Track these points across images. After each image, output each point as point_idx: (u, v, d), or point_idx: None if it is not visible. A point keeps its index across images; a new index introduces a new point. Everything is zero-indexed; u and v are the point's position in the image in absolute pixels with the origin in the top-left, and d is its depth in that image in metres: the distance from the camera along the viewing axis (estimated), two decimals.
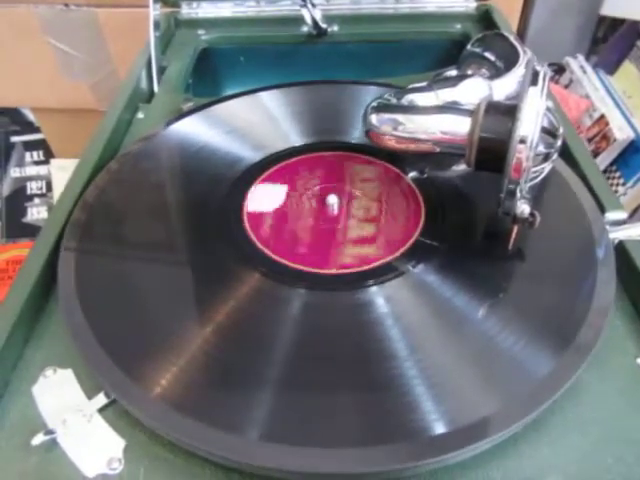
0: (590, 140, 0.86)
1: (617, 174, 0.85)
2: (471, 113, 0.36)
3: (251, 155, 0.44)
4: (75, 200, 0.41)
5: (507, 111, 0.34)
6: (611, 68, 0.94)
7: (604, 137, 0.84)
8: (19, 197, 1.02)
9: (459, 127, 0.36)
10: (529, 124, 0.32)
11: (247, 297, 0.34)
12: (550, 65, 0.98)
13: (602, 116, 0.85)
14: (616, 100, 0.88)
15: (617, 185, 0.84)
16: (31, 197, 1.02)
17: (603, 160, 0.85)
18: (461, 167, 0.41)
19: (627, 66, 0.93)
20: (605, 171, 0.86)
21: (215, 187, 0.42)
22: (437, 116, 0.37)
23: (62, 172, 1.00)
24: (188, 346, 0.31)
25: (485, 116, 0.34)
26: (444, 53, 0.63)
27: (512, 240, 0.36)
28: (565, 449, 0.28)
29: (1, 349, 0.31)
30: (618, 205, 0.39)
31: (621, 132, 0.82)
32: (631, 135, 0.82)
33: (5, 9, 0.78)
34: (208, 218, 0.39)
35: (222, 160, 0.44)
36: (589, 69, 0.93)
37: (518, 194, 0.33)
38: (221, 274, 0.36)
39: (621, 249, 0.36)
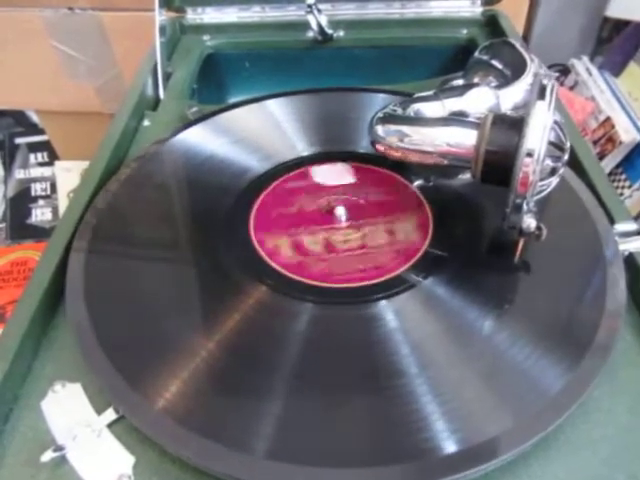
0: (596, 142, 0.86)
1: (623, 176, 0.84)
2: (477, 125, 0.35)
3: (258, 165, 0.44)
4: (84, 208, 0.41)
5: (514, 124, 0.34)
6: (616, 70, 0.94)
7: (610, 139, 0.84)
8: (23, 198, 1.02)
9: (465, 140, 0.36)
10: (536, 138, 0.31)
11: (254, 310, 0.34)
12: (555, 66, 0.98)
13: (608, 118, 0.85)
14: (622, 102, 0.87)
15: (623, 188, 0.83)
16: (35, 199, 1.03)
17: (609, 162, 0.84)
18: (467, 175, 0.41)
19: (632, 68, 0.92)
20: (611, 173, 0.85)
21: (222, 197, 0.41)
22: (443, 128, 0.37)
23: (66, 174, 1.00)
24: (198, 362, 0.31)
25: (492, 129, 0.34)
26: (450, 58, 0.63)
27: (518, 252, 0.36)
28: (576, 467, 0.28)
29: (11, 363, 0.31)
30: (628, 216, 0.38)
31: (627, 134, 0.82)
32: (637, 137, 0.81)
33: (10, 12, 0.79)
34: (215, 229, 0.39)
35: (229, 170, 0.44)
36: (594, 71, 0.93)
37: (524, 208, 0.33)
38: (228, 287, 0.35)
39: (631, 261, 0.36)
